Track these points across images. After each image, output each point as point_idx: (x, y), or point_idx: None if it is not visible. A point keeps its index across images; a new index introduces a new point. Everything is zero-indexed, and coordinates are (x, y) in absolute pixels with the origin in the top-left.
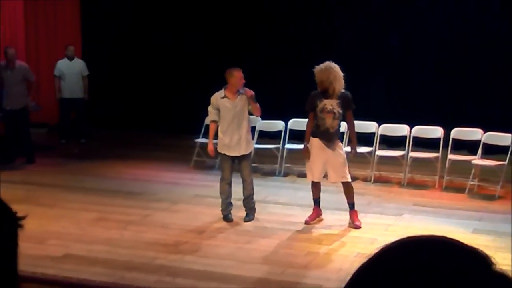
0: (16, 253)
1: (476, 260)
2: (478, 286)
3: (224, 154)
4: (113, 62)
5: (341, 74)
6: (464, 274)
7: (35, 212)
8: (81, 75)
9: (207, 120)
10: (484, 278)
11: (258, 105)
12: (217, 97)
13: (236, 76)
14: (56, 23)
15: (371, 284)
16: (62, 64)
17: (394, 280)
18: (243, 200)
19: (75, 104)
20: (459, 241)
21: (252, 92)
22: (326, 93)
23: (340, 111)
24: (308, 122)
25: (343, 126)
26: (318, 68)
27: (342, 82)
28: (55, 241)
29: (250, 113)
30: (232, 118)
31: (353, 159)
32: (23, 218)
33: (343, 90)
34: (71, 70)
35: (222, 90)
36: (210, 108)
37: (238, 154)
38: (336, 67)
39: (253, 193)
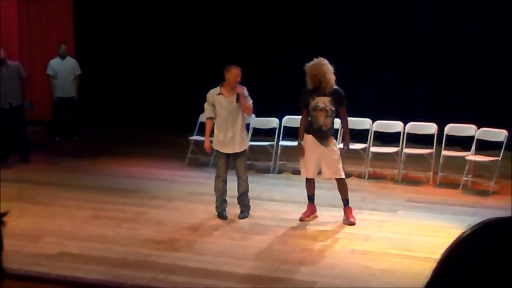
0: (1, 249)
1: None
2: None
3: (218, 150)
4: (107, 60)
5: (332, 68)
6: None
7: (30, 210)
8: (73, 74)
9: (203, 117)
10: None
11: (249, 104)
12: (213, 94)
13: (233, 72)
14: (49, 21)
15: (471, 256)
16: (55, 63)
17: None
18: (238, 197)
19: (67, 102)
20: None
21: (241, 90)
22: (318, 90)
23: (333, 109)
24: (301, 119)
25: (337, 123)
26: (310, 64)
27: (334, 76)
28: (50, 239)
29: None
30: (227, 115)
31: (348, 155)
32: (4, 215)
33: (335, 87)
34: (63, 69)
35: (218, 87)
36: (206, 105)
37: (231, 152)
38: (327, 62)
39: (248, 190)
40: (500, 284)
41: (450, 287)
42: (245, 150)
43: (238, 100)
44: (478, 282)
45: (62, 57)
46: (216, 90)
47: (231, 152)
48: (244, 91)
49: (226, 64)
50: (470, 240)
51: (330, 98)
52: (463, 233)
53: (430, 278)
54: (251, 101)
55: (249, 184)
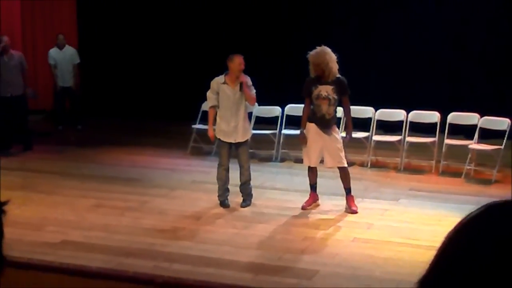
0: (1, 237)
1: None
2: None
3: (220, 139)
4: (110, 49)
5: (335, 57)
6: None
7: (33, 199)
8: (72, 64)
9: (206, 106)
10: None
11: (253, 93)
12: (217, 82)
13: (236, 61)
14: (53, 10)
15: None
16: (54, 53)
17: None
18: (240, 186)
19: (68, 91)
20: None
21: (244, 78)
22: (321, 79)
23: (336, 97)
24: (304, 107)
25: (340, 112)
26: (312, 52)
27: (337, 65)
28: (52, 227)
29: None
30: (231, 104)
31: (350, 144)
32: (4, 203)
33: (338, 76)
34: (62, 58)
35: (223, 75)
36: (209, 93)
37: (234, 141)
38: (330, 50)
39: (250, 179)
40: (503, 268)
41: (452, 271)
42: (247, 139)
43: (241, 89)
44: (481, 266)
45: (61, 47)
46: (221, 79)
47: (233, 141)
48: (248, 80)
49: (228, 53)
50: (473, 223)
51: (333, 87)
52: (466, 216)
53: (432, 262)
54: (254, 91)
55: (252, 173)
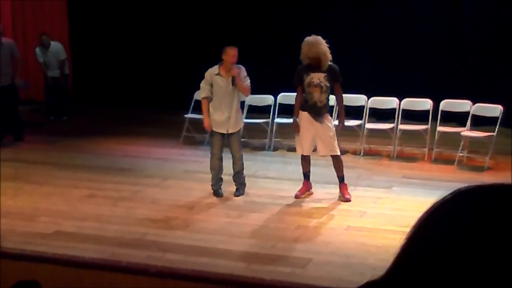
0: None
1: None
2: None
3: (212, 129)
4: (102, 38)
5: (327, 45)
6: None
7: (25, 189)
8: (58, 59)
9: (198, 95)
10: None
11: (246, 84)
12: (211, 73)
13: (229, 53)
14: (43, 0)
15: (445, 224)
16: (40, 52)
17: (469, 220)
18: (233, 175)
19: (57, 82)
20: None
21: (236, 72)
22: (313, 67)
23: (328, 85)
24: (296, 96)
25: (332, 99)
26: (307, 43)
27: (330, 54)
28: (45, 218)
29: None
30: (224, 95)
31: (343, 132)
32: None
33: (330, 63)
34: (50, 56)
35: (217, 66)
36: (203, 84)
37: (225, 131)
38: (322, 39)
39: (243, 169)
40: (469, 253)
41: (419, 259)
42: (239, 129)
43: (234, 83)
44: (447, 251)
45: (46, 47)
46: (215, 70)
47: (225, 132)
48: (242, 71)
49: (219, 41)
50: (442, 208)
51: (325, 74)
52: (437, 201)
53: (399, 250)
54: (248, 81)
55: (245, 162)
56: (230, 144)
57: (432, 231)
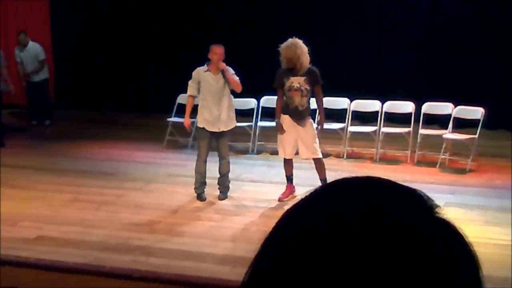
0: None
1: (416, 200)
2: (418, 226)
3: (203, 128)
4: (84, 41)
5: (306, 48)
6: (405, 212)
7: (8, 194)
8: (37, 60)
9: (181, 99)
10: (425, 220)
11: (235, 79)
12: (199, 71)
13: (215, 51)
14: (25, 2)
15: (309, 220)
16: (18, 51)
17: (333, 216)
18: (219, 178)
19: (37, 86)
20: (397, 182)
21: (225, 66)
22: (293, 70)
23: (308, 88)
24: (277, 99)
25: (314, 103)
26: (283, 45)
27: (308, 56)
28: (28, 223)
29: (233, 91)
30: (213, 92)
31: (326, 135)
32: None
33: (309, 66)
34: (27, 56)
35: (205, 65)
36: (190, 82)
37: (217, 130)
38: (301, 42)
39: (229, 171)
40: (329, 258)
41: (273, 263)
42: (229, 130)
43: (224, 76)
44: (305, 255)
45: (24, 45)
46: (204, 67)
47: (217, 130)
48: (230, 70)
49: (202, 45)
50: (304, 203)
51: (305, 77)
52: (299, 200)
53: (257, 252)
54: (237, 78)
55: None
56: (219, 145)
57: (289, 235)
